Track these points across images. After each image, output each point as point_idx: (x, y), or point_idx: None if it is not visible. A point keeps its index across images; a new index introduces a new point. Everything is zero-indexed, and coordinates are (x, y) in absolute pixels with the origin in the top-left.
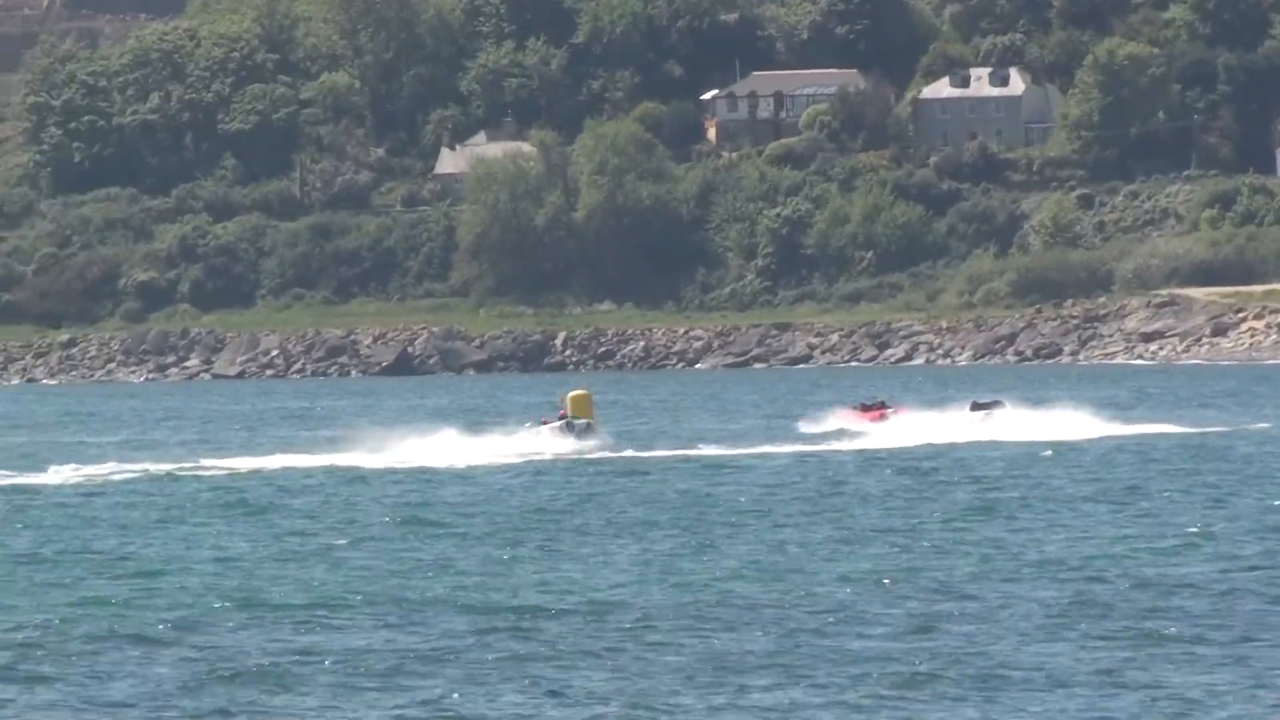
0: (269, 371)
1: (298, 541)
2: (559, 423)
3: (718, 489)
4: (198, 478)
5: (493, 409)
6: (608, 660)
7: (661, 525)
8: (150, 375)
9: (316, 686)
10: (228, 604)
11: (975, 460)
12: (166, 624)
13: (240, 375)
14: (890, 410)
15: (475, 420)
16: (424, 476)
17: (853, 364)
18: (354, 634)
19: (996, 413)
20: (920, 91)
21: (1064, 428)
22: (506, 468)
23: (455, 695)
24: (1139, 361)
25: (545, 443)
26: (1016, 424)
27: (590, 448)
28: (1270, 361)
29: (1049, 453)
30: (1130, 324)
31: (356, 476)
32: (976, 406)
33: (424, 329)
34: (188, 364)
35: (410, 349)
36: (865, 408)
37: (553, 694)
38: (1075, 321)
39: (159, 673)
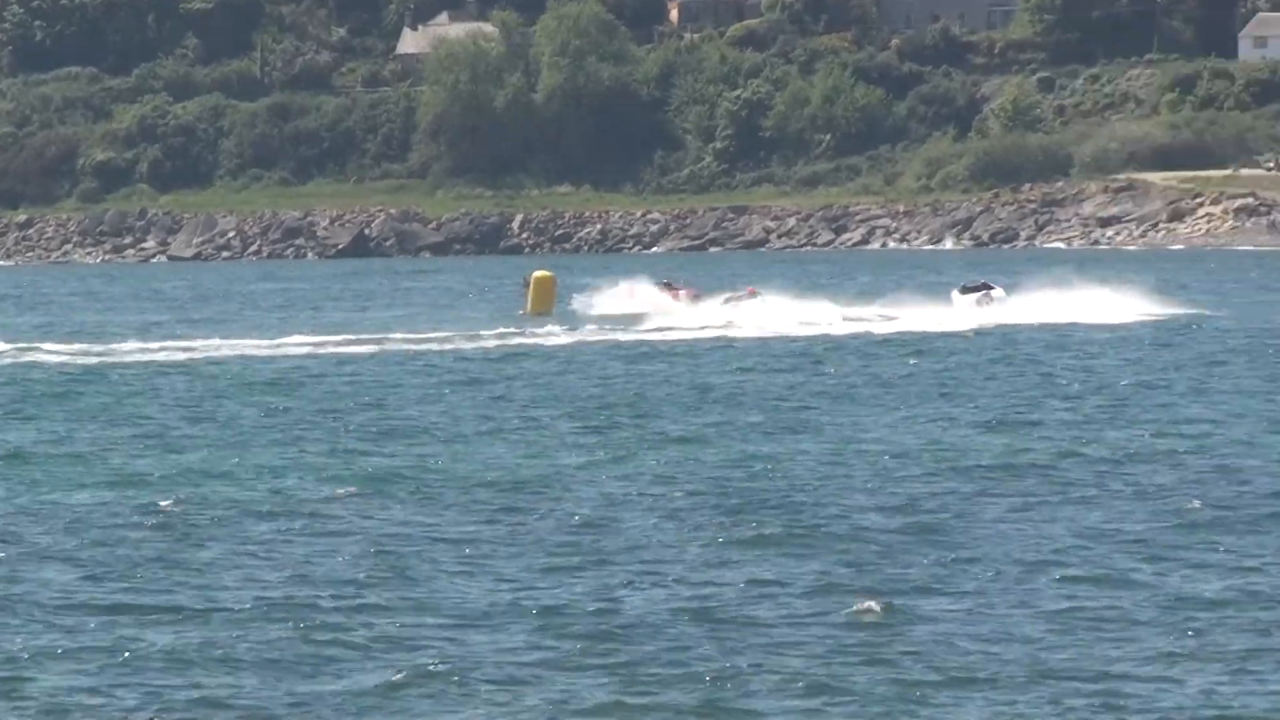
0: (225, 253)
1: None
2: (978, 294)
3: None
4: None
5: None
6: None
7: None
8: (107, 256)
9: None
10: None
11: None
12: None
13: (197, 257)
14: (681, 290)
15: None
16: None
17: (808, 248)
18: None
19: (993, 295)
20: None
21: (1101, 311)
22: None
23: None
24: (1101, 247)
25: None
26: (1025, 308)
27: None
28: (1229, 247)
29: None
30: (1087, 209)
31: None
32: (967, 290)
33: (381, 211)
34: (144, 245)
35: (367, 231)
36: (669, 285)
37: None
38: (1032, 206)
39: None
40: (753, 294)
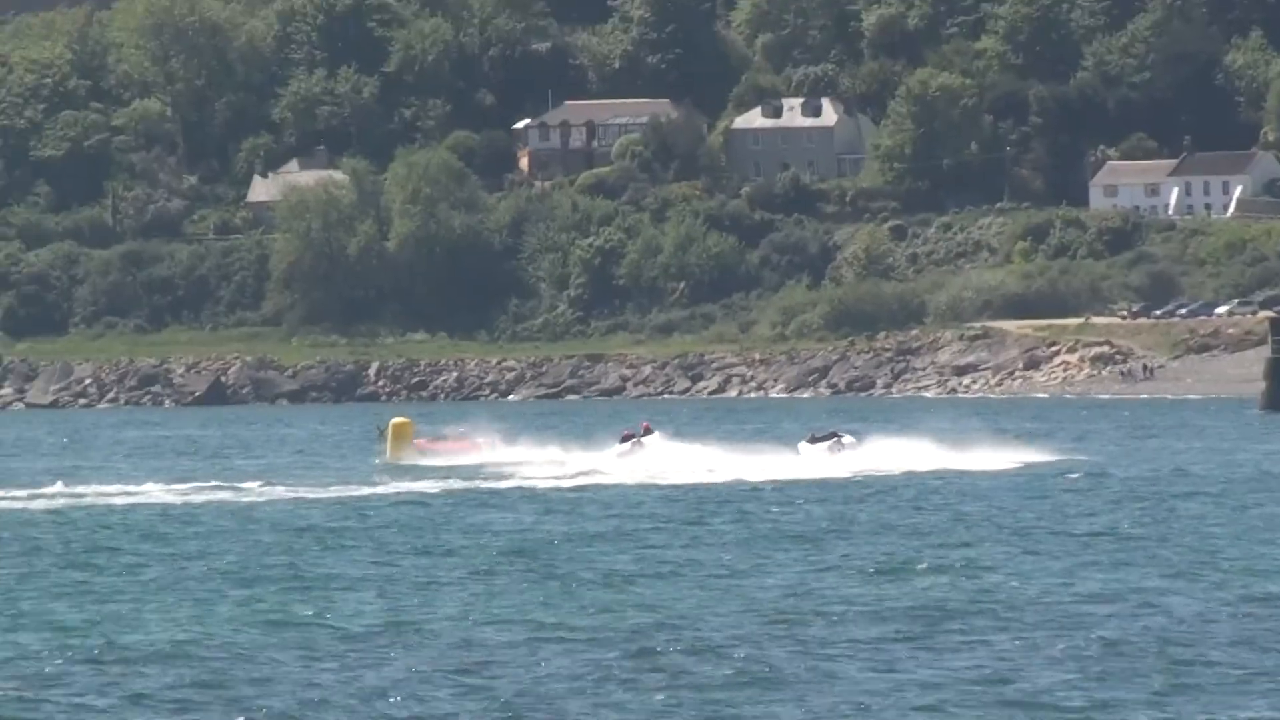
0: (82, 400)
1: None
2: (829, 442)
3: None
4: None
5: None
6: None
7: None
8: None
9: None
10: None
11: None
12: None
13: (54, 404)
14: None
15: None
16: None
17: (665, 396)
18: None
19: (844, 442)
20: (732, 122)
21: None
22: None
23: None
24: (961, 395)
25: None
26: (874, 455)
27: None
28: (1087, 395)
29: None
30: (943, 357)
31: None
32: (816, 439)
33: (237, 358)
34: (0, 392)
35: (223, 378)
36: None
37: None
38: (888, 354)
39: None
40: (648, 429)
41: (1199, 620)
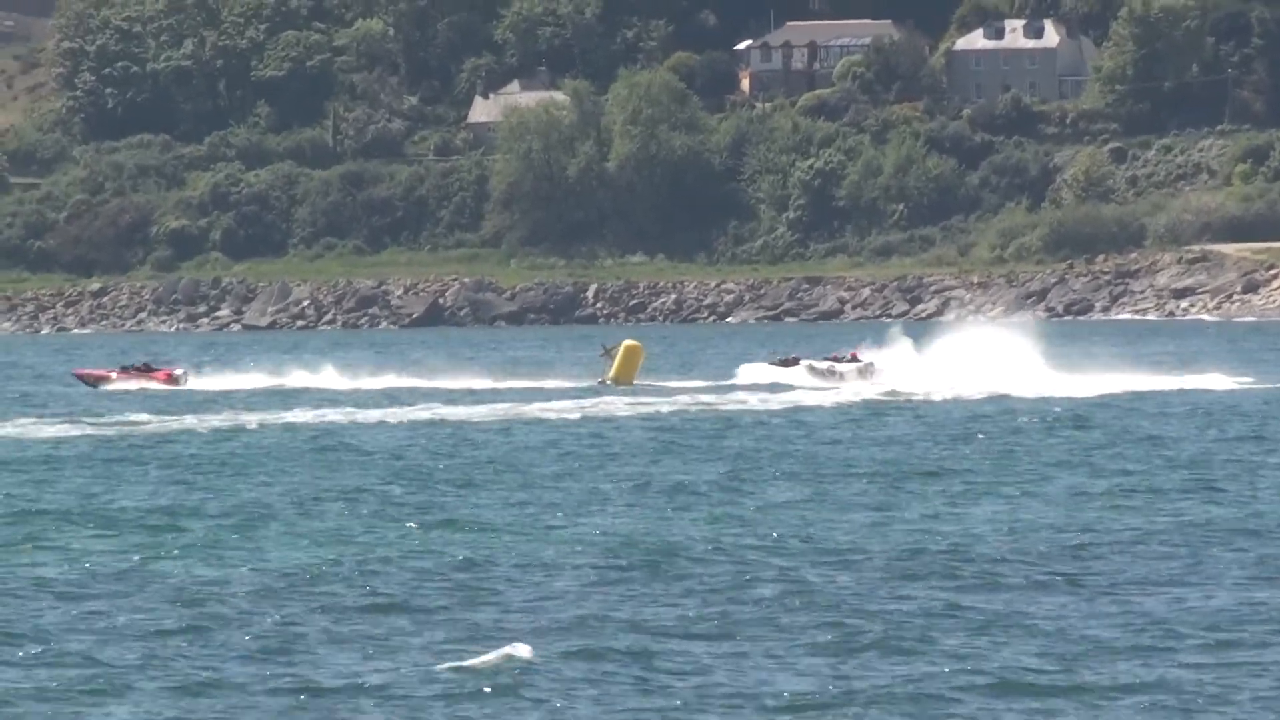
0: (299, 322)
1: None
2: (859, 363)
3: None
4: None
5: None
6: None
7: None
8: (181, 325)
9: None
10: None
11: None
12: None
13: (271, 325)
14: (160, 372)
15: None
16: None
17: (883, 319)
18: None
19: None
20: (954, 43)
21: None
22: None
23: None
24: (1179, 318)
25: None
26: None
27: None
28: None
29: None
30: (1161, 280)
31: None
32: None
33: (455, 280)
34: (219, 313)
35: (441, 300)
36: (148, 368)
37: None
38: (1107, 277)
39: None
40: (855, 358)
41: None
